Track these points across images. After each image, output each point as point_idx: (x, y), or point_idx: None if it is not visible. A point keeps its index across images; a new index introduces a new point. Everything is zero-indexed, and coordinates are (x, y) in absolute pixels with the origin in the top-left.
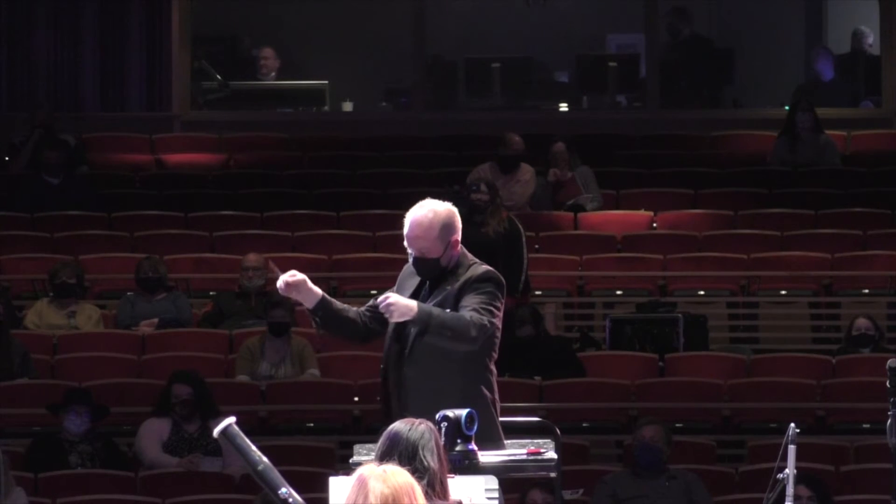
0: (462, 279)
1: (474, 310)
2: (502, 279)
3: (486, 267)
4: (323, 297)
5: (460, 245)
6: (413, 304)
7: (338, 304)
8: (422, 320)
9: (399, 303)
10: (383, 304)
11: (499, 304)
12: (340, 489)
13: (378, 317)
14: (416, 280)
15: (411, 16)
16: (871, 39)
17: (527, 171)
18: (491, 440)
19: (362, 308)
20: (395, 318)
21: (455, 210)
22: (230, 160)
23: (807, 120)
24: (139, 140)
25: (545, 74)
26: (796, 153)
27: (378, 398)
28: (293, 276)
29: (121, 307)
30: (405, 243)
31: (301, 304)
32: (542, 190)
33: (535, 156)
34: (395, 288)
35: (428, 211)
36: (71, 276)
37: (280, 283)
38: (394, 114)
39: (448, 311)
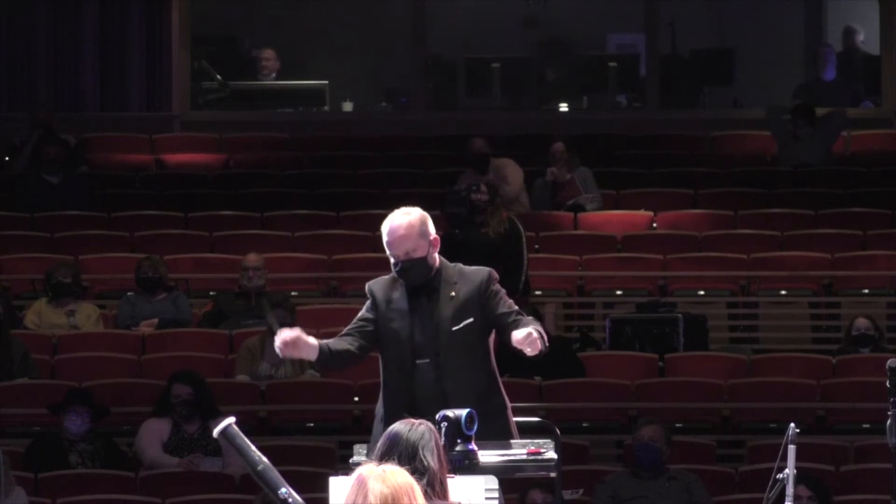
0: (471, 284)
1: (520, 314)
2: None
3: (483, 269)
4: (320, 348)
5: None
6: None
7: (332, 345)
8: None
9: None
10: (529, 340)
11: None
12: (340, 489)
13: (367, 333)
14: (402, 290)
15: (411, 16)
16: (863, 36)
17: (505, 165)
18: (512, 437)
19: (348, 330)
20: (536, 352)
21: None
22: (230, 160)
23: (805, 127)
24: (139, 140)
25: (545, 74)
26: (798, 153)
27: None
28: (290, 335)
29: (121, 307)
30: (389, 251)
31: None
32: (541, 190)
33: (534, 156)
34: (367, 304)
35: (401, 214)
36: (66, 275)
37: (278, 343)
38: (394, 114)
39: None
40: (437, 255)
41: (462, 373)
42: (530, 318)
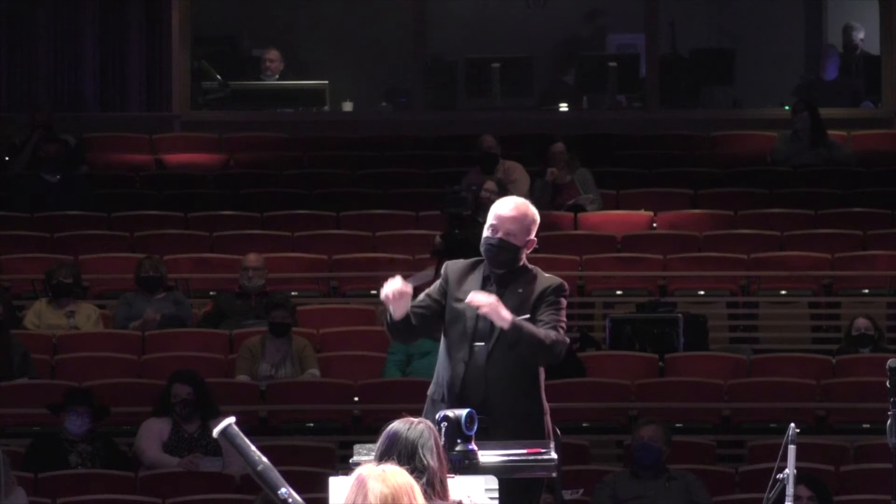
0: (538, 287)
1: (554, 328)
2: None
3: (557, 278)
4: (407, 314)
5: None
6: (508, 315)
7: (412, 318)
8: (516, 330)
9: (500, 308)
10: (488, 303)
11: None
12: (340, 489)
13: (423, 318)
14: (478, 276)
15: (411, 16)
16: (862, 34)
17: (514, 170)
18: (551, 438)
19: (413, 307)
20: (494, 319)
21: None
22: (230, 160)
23: (803, 121)
24: (139, 140)
25: (545, 74)
26: (798, 153)
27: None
28: (405, 287)
29: (119, 307)
30: (492, 223)
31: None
32: (541, 191)
33: (534, 156)
34: (437, 283)
35: (522, 204)
36: (67, 275)
37: (388, 293)
38: (394, 114)
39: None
40: (525, 257)
41: (508, 364)
42: (558, 333)
